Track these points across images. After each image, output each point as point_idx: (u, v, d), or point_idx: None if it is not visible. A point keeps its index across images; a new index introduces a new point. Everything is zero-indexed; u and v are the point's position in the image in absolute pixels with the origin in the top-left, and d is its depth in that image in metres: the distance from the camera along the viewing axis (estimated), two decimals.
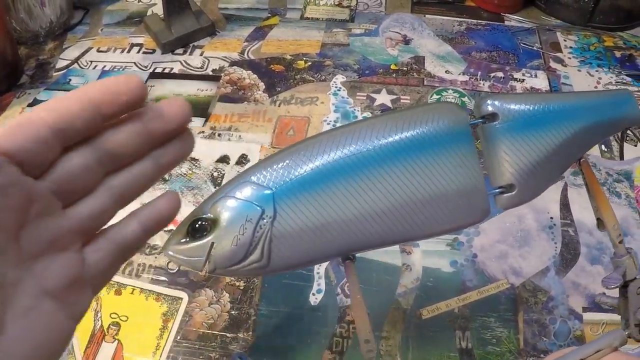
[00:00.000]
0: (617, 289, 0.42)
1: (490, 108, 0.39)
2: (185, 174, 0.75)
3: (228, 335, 0.60)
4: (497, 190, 0.39)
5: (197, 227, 0.36)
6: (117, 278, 0.64)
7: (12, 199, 0.34)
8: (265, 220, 0.35)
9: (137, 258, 0.65)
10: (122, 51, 0.95)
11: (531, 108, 0.39)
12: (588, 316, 0.61)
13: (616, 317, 0.44)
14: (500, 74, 0.89)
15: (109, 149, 0.37)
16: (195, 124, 0.82)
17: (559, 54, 0.93)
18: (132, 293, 0.63)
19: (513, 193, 0.39)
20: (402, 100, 0.84)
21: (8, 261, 0.34)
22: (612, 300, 0.44)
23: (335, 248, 0.37)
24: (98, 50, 0.96)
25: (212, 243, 0.35)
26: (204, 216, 0.36)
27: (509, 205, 0.39)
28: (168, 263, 0.36)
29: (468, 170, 0.37)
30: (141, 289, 0.63)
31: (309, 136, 0.38)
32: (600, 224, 0.43)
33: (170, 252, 0.36)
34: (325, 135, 0.37)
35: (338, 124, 0.80)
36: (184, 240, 0.36)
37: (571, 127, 0.39)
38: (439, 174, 0.36)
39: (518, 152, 0.38)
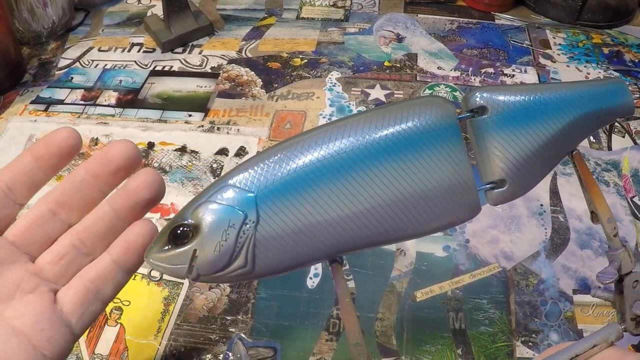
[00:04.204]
0: (613, 283, 0.42)
1: (479, 101, 0.38)
2: (185, 165, 0.76)
3: (228, 317, 0.62)
4: (487, 186, 0.38)
5: (179, 234, 0.35)
6: None
7: None
8: (248, 225, 0.34)
9: None
10: (123, 50, 0.97)
11: (521, 100, 0.38)
12: (578, 298, 0.63)
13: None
14: (490, 70, 0.91)
15: (58, 200, 0.42)
16: (195, 118, 0.84)
17: (548, 51, 0.96)
18: (134, 279, 0.65)
19: (504, 188, 0.38)
20: (395, 95, 0.86)
21: None
22: (607, 295, 0.43)
23: (321, 251, 0.35)
24: (99, 50, 0.97)
25: (195, 250, 0.34)
26: (186, 222, 0.35)
27: (500, 200, 0.39)
28: (150, 271, 0.36)
29: (457, 166, 0.36)
30: (142, 274, 0.65)
31: (291, 136, 0.37)
32: (594, 217, 0.42)
33: (152, 260, 0.35)
34: (307, 135, 0.36)
35: (334, 118, 0.82)
36: (165, 247, 0.35)
37: (563, 118, 0.38)
38: (426, 171, 0.35)
39: (508, 146, 0.37)
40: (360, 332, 0.36)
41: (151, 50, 0.97)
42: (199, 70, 0.92)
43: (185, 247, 0.35)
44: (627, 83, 0.89)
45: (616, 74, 0.90)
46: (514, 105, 0.38)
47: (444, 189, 0.36)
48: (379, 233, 0.36)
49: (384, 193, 0.35)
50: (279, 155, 0.35)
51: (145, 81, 0.91)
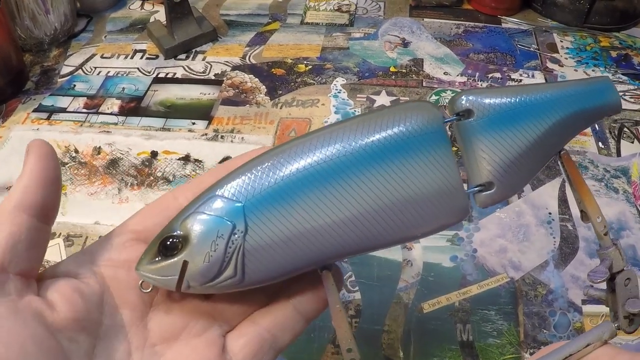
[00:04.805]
0: (605, 282, 0.41)
1: (464, 104, 0.37)
2: (189, 175, 0.76)
3: None
4: (475, 189, 0.38)
5: (168, 245, 0.35)
6: None
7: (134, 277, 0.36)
8: (237, 235, 0.34)
9: None
10: (126, 57, 0.97)
11: (507, 102, 0.38)
12: (587, 308, 0.62)
13: None
14: (497, 75, 0.90)
15: None
16: (198, 126, 0.83)
17: (555, 55, 0.95)
18: None
19: (492, 191, 0.38)
20: (401, 101, 0.85)
21: (132, 342, 0.35)
22: (599, 293, 0.43)
23: (311, 258, 0.35)
24: (102, 57, 0.97)
25: (185, 261, 0.34)
26: (175, 234, 0.35)
27: (489, 203, 0.38)
28: (141, 283, 0.36)
29: (444, 169, 0.36)
30: None
31: (278, 144, 0.36)
32: (584, 216, 0.42)
33: (143, 272, 0.35)
34: (294, 142, 0.36)
35: None
36: (156, 259, 0.35)
37: (550, 118, 0.38)
38: (414, 176, 0.35)
39: (495, 148, 0.37)
40: (352, 337, 0.36)
41: (154, 57, 0.96)
42: (202, 77, 0.92)
43: (175, 259, 0.34)
44: (636, 87, 0.88)
45: (624, 77, 0.89)
46: (500, 107, 0.37)
47: (432, 193, 0.36)
48: (368, 239, 0.36)
49: (372, 199, 0.35)
50: (266, 164, 0.35)
51: (149, 88, 0.90)
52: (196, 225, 0.34)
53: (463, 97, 0.38)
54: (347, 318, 0.37)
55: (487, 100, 0.38)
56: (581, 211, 0.42)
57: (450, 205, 0.36)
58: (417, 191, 0.35)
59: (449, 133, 0.37)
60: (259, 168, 0.35)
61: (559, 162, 0.41)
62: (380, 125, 0.36)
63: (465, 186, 0.37)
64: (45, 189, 0.33)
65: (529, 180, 0.39)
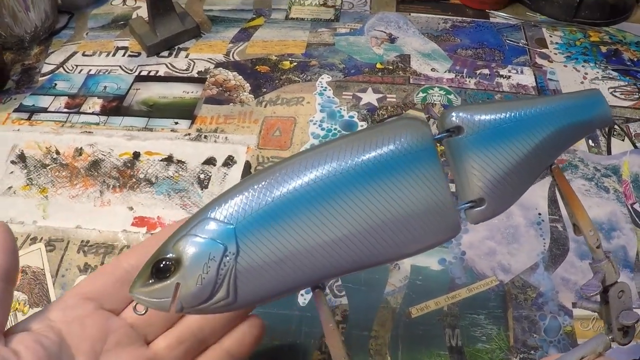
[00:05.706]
0: (598, 295, 0.42)
1: (455, 120, 0.38)
2: (171, 176, 0.74)
3: None
4: (466, 205, 0.38)
5: (161, 268, 0.35)
6: None
7: (88, 329, 0.40)
8: (228, 257, 0.35)
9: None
10: (108, 55, 0.95)
11: (497, 118, 0.38)
12: (578, 311, 0.61)
13: None
14: (486, 71, 0.89)
15: None
16: (181, 126, 0.81)
17: (544, 50, 0.93)
18: None
19: (483, 207, 0.38)
20: (388, 99, 0.84)
21: None
22: (593, 306, 0.43)
23: (303, 279, 0.36)
24: (83, 54, 0.95)
25: (178, 283, 0.35)
26: (167, 256, 0.35)
27: (480, 219, 0.39)
28: (135, 305, 0.37)
29: (435, 187, 0.36)
30: None
31: (268, 165, 0.38)
32: (576, 229, 0.42)
33: (137, 295, 0.36)
34: (285, 163, 0.36)
35: (324, 124, 0.80)
36: (149, 281, 0.36)
37: (540, 134, 0.38)
38: (404, 195, 0.36)
39: (486, 164, 0.37)
40: (345, 356, 0.37)
41: (136, 54, 0.95)
42: (185, 75, 0.90)
43: (168, 281, 0.35)
44: (626, 83, 0.86)
45: (615, 73, 0.88)
46: (490, 123, 0.38)
47: (423, 211, 0.36)
48: (360, 258, 0.36)
49: (364, 219, 0.35)
50: (257, 186, 0.36)
51: (131, 87, 0.88)
52: (188, 248, 0.35)
53: (453, 113, 0.38)
54: (341, 337, 0.38)
55: (477, 117, 0.38)
56: (573, 224, 0.42)
57: (441, 222, 0.37)
58: (408, 209, 0.36)
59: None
60: (250, 190, 0.35)
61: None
62: (370, 145, 0.36)
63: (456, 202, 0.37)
64: (5, 256, 0.39)
65: (520, 195, 0.40)
